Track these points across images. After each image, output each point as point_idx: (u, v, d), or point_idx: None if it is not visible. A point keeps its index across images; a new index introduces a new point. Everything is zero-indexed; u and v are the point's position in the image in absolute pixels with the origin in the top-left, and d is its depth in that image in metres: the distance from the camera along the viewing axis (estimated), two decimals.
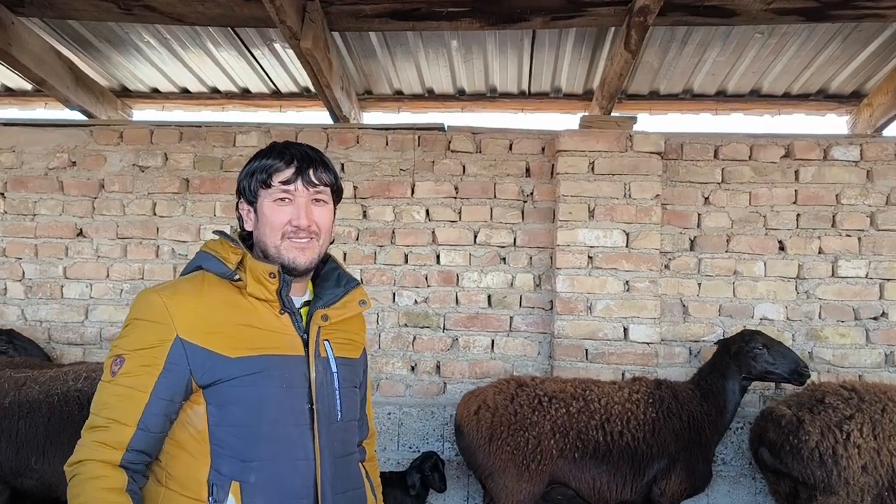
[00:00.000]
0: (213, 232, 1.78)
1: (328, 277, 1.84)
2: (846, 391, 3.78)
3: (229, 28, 4.21)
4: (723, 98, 5.11)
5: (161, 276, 4.73)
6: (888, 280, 4.47)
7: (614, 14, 3.87)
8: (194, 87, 5.20)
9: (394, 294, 4.67)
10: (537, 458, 3.72)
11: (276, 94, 5.28)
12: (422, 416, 4.52)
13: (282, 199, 1.68)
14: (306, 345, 1.69)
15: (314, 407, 1.65)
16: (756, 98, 5.09)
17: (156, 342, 1.56)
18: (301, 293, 1.78)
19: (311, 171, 1.69)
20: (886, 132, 4.75)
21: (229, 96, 5.31)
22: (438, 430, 4.51)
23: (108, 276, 4.76)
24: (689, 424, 3.82)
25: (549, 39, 4.33)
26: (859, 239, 4.50)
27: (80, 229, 4.79)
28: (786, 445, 3.70)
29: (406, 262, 4.68)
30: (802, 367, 3.85)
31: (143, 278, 4.75)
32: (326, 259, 1.84)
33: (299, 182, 1.68)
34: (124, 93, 5.32)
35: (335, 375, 1.73)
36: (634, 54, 3.94)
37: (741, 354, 3.88)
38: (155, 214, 4.77)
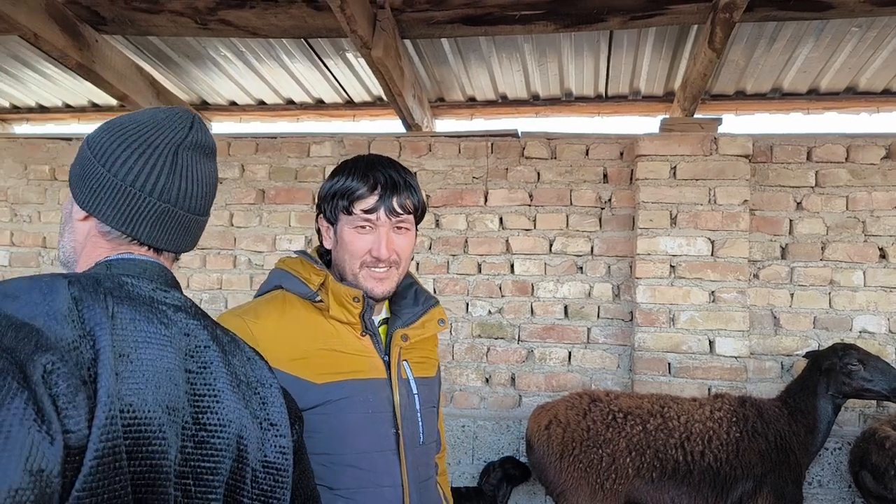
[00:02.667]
0: (295, 252, 1.73)
1: (405, 295, 1.77)
2: None
3: (302, 39, 4.23)
4: (815, 96, 4.79)
5: (238, 286, 4.80)
6: None
7: (697, 11, 3.67)
8: (270, 99, 5.26)
9: (467, 304, 4.59)
10: (612, 477, 3.56)
11: (350, 104, 5.28)
12: (497, 430, 4.42)
13: (362, 227, 1.61)
14: (388, 366, 1.63)
15: (399, 432, 1.60)
16: (852, 96, 4.75)
17: None
18: (378, 312, 1.73)
19: (394, 199, 1.60)
20: None
21: (304, 107, 5.34)
22: (514, 444, 4.39)
23: (188, 285, 4.86)
24: (777, 445, 3.58)
25: (627, 40, 4.16)
26: None
27: None
28: (890, 469, 3.43)
29: (479, 271, 4.59)
30: None
31: (220, 288, 4.83)
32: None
33: (382, 211, 1.59)
34: (203, 106, 5.44)
35: (416, 397, 1.68)
36: (719, 53, 3.72)
37: (833, 371, 3.61)
38: (232, 225, 4.84)
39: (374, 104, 5.23)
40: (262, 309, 1.61)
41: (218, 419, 1.02)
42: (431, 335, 1.78)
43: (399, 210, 1.61)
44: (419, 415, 1.67)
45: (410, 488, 1.60)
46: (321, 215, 1.70)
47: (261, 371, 1.15)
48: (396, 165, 1.67)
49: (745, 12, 3.48)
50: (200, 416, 1.00)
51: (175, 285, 1.13)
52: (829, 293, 4.27)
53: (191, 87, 5.11)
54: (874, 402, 4.13)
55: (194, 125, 1.14)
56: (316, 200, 1.74)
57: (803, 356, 3.94)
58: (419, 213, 1.69)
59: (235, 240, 4.84)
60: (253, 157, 4.86)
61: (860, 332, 4.21)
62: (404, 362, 1.67)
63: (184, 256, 4.83)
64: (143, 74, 4.66)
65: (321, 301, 1.60)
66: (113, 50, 4.30)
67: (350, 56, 4.46)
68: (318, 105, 5.31)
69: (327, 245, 1.69)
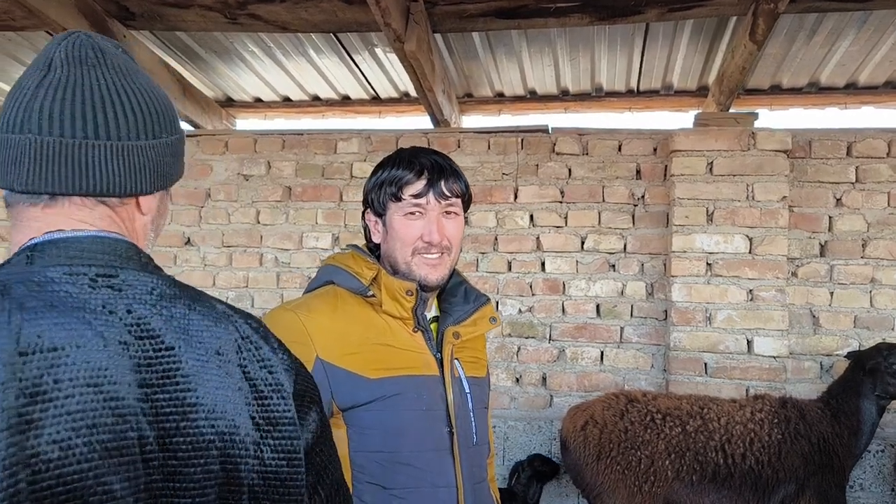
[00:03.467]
0: (347, 246, 1.70)
1: (455, 292, 1.72)
2: None
3: (331, 34, 4.17)
4: (853, 91, 4.68)
5: (265, 285, 4.75)
6: None
7: (738, 2, 3.58)
8: (295, 95, 5.22)
9: (497, 303, 4.51)
10: (650, 479, 3.48)
11: (376, 100, 5.22)
12: (528, 430, 4.34)
13: (412, 213, 1.58)
14: (440, 364, 1.59)
15: (453, 430, 1.55)
16: (891, 90, 4.64)
17: None
18: (428, 309, 1.68)
19: (442, 183, 1.58)
20: None
21: (329, 103, 5.29)
22: (545, 444, 4.32)
23: (214, 283, 4.81)
24: (820, 447, 3.49)
25: (662, 33, 4.07)
26: None
27: (188, 238, 4.87)
28: None
29: (509, 269, 4.52)
30: None
31: (247, 286, 4.78)
32: (452, 272, 1.72)
33: (431, 195, 1.57)
34: (228, 103, 5.40)
35: (469, 396, 1.63)
36: (760, 45, 3.63)
37: (878, 371, 3.51)
38: (258, 223, 4.79)
39: (401, 100, 5.17)
40: (314, 303, 1.57)
41: (191, 441, 0.82)
42: (481, 334, 1.74)
43: (448, 193, 1.59)
44: (472, 414, 1.63)
45: (465, 489, 1.55)
46: (368, 210, 1.68)
47: (268, 355, 0.95)
48: (439, 152, 1.66)
49: (789, 3, 3.38)
50: (167, 439, 0.81)
51: (131, 258, 0.91)
52: (871, 291, 4.16)
53: (216, 83, 5.07)
54: None
55: (68, 38, 0.91)
56: (362, 196, 1.69)
57: (845, 356, 3.84)
58: (466, 198, 1.67)
59: (262, 237, 4.79)
60: (279, 154, 4.80)
61: None
62: (456, 360, 1.64)
63: (211, 253, 4.80)
64: (170, 70, 4.61)
65: (373, 296, 1.57)
66: (140, 46, 4.26)
67: (379, 51, 4.40)
68: (344, 101, 5.26)
69: (376, 239, 1.67)
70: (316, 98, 5.25)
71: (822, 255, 4.22)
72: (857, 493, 3.97)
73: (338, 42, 4.31)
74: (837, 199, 4.22)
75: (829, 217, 4.22)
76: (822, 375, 4.18)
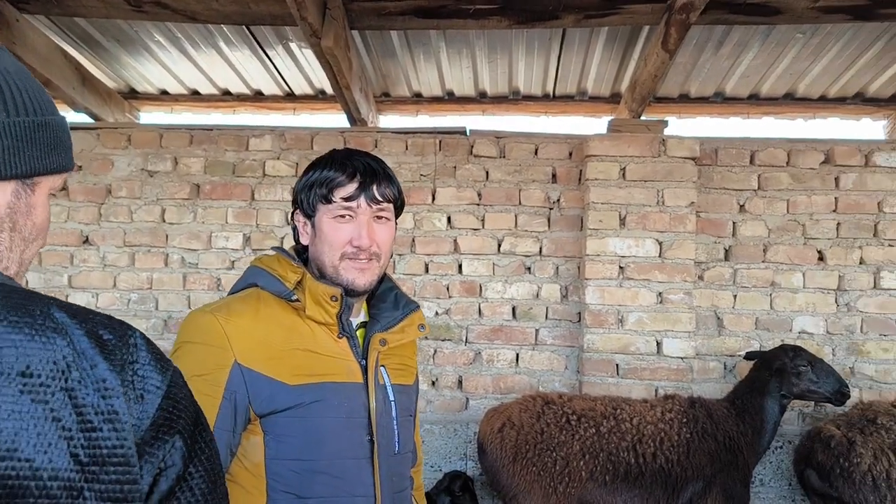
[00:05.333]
0: (272, 248, 1.65)
1: (384, 298, 1.70)
2: None
3: (244, 26, 4.02)
4: (755, 101, 4.90)
5: (170, 286, 4.53)
6: None
7: (651, 12, 3.66)
8: (205, 88, 5.01)
9: None
10: (565, 480, 3.52)
11: (290, 97, 5.08)
12: (444, 434, 4.31)
13: (342, 216, 1.55)
14: (364, 371, 1.56)
15: (373, 439, 1.52)
16: (790, 101, 4.88)
17: (213, 368, 1.42)
18: (356, 314, 1.65)
19: (374, 187, 1.56)
20: None
21: (241, 98, 5.11)
22: (461, 448, 4.30)
23: (114, 285, 4.55)
24: (726, 445, 3.62)
25: (578, 39, 4.13)
26: None
27: (87, 237, 4.59)
28: (836, 468, 3.51)
29: (426, 271, 4.47)
30: (845, 386, 3.65)
31: (151, 288, 4.55)
32: (382, 278, 1.70)
33: (362, 198, 1.55)
34: (132, 94, 5.13)
35: (393, 404, 1.61)
36: (672, 54, 3.73)
37: (785, 371, 3.67)
38: (164, 221, 4.56)
39: (316, 97, 5.05)
40: (235, 306, 1.52)
41: None
42: (410, 341, 1.73)
43: (380, 198, 1.57)
44: (395, 423, 1.60)
45: (384, 498, 1.53)
46: (297, 210, 1.65)
47: (104, 375, 0.77)
48: (373, 156, 1.64)
49: (700, 14, 3.49)
50: None
51: None
52: (771, 294, 4.35)
53: (119, 73, 4.80)
54: (813, 402, 4.22)
55: None
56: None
57: (744, 357, 4.00)
58: (399, 203, 1.65)
59: (167, 237, 4.56)
60: (187, 150, 4.59)
61: (799, 332, 4.31)
62: (382, 368, 1.61)
63: (111, 253, 4.54)
64: (67, 58, 4.33)
65: (297, 300, 1.53)
66: (36, 31, 3.97)
67: (294, 46, 4.27)
68: (257, 97, 5.09)
69: (304, 241, 1.64)
70: (226, 92, 5.06)
71: (726, 259, 4.38)
72: (757, 489, 4.14)
73: (250, 35, 4.16)
74: (741, 206, 4.39)
75: (734, 223, 4.38)
76: (725, 375, 4.33)
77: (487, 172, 4.48)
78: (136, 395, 0.78)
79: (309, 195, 1.58)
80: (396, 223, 1.68)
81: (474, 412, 4.34)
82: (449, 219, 4.48)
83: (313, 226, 1.60)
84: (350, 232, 1.55)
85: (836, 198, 4.33)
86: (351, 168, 1.55)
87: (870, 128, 5.07)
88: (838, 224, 4.32)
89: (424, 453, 4.22)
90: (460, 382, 4.44)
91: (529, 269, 4.45)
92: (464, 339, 4.44)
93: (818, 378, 3.63)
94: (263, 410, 1.44)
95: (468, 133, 4.52)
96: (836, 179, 4.34)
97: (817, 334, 4.30)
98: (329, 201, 1.55)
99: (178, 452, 0.81)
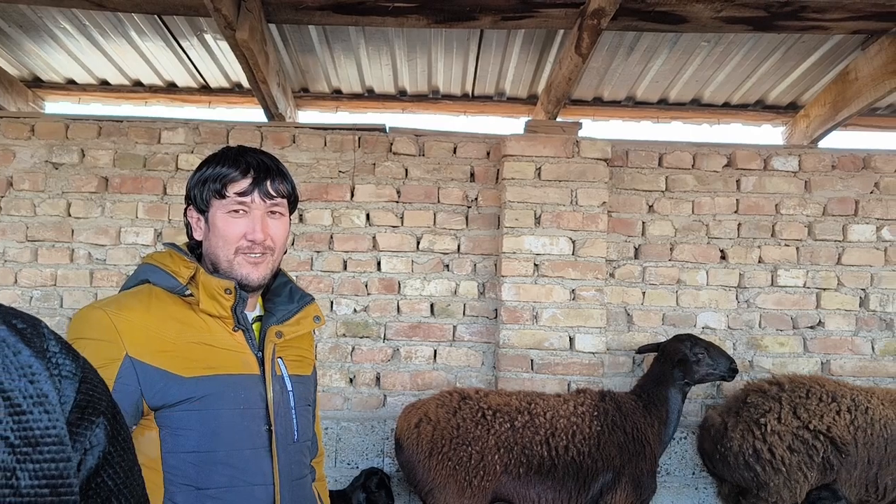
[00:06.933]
0: (163, 244, 1.66)
1: (279, 292, 1.74)
2: (769, 385, 3.90)
3: (156, 16, 3.91)
4: (664, 106, 5.09)
5: (76, 283, 4.36)
6: (824, 290, 4.53)
7: (566, 16, 3.76)
8: (115, 79, 4.84)
9: (331, 302, 4.44)
10: (480, 473, 3.59)
11: (205, 89, 4.96)
12: (361, 431, 4.31)
13: (236, 211, 1.58)
14: (261, 363, 1.59)
15: (272, 429, 1.56)
16: (696, 107, 5.10)
17: (103, 362, 1.40)
18: (252, 308, 1.68)
19: (268, 183, 1.59)
20: (822, 143, 4.82)
21: (153, 90, 4.96)
22: (378, 444, 4.31)
23: (16, 282, 4.35)
24: (634, 436, 3.76)
25: (496, 40, 4.20)
26: (797, 249, 4.55)
27: None
28: (715, 454, 3.79)
29: (345, 268, 4.46)
30: (733, 362, 3.88)
31: (55, 284, 4.36)
32: (277, 272, 1.73)
33: (256, 194, 1.58)
34: (36, 83, 4.90)
35: (290, 394, 1.65)
36: (585, 58, 3.85)
37: (686, 360, 3.85)
38: (70, 215, 4.39)
39: (232, 91, 4.96)
40: (126, 301, 1.53)
41: None
42: (307, 333, 1.77)
43: (273, 193, 1.60)
44: (293, 412, 1.64)
45: (282, 487, 1.57)
46: (191, 206, 1.66)
47: (28, 361, 0.78)
48: (267, 153, 1.67)
49: (611, 20, 3.61)
50: None
51: None
52: (677, 291, 4.54)
53: (22, 61, 4.58)
54: (714, 393, 4.44)
55: None
56: (186, 193, 1.63)
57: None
58: (293, 199, 1.69)
59: (73, 232, 4.38)
60: (95, 142, 4.42)
61: (703, 328, 4.51)
62: (279, 359, 1.65)
63: (12, 248, 4.33)
64: None
65: (191, 295, 1.56)
66: None
67: (209, 37, 4.18)
68: (170, 89, 4.96)
69: (198, 236, 1.66)
70: (138, 83, 4.91)
71: (636, 257, 4.55)
72: (663, 478, 4.31)
73: (163, 25, 4.05)
74: (650, 206, 4.57)
75: (643, 222, 4.55)
76: (634, 369, 4.50)
77: (407, 170, 4.50)
78: (57, 380, 0.80)
79: (202, 191, 1.60)
80: (291, 219, 1.71)
81: (392, 409, 4.36)
82: (368, 216, 4.48)
83: (207, 221, 1.61)
84: (244, 226, 1.57)
85: (737, 199, 4.56)
86: (244, 164, 1.58)
87: (769, 133, 5.37)
88: (739, 224, 4.55)
89: (341, 451, 4.23)
90: (378, 379, 4.45)
91: (448, 266, 4.49)
92: (382, 336, 4.45)
93: (714, 361, 3.83)
94: (157, 403, 1.45)
95: (388, 130, 4.53)
96: (738, 182, 4.57)
97: (719, 329, 4.51)
98: (223, 196, 1.57)
99: (103, 431, 0.83)
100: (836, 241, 4.55)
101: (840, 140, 5.08)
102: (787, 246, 4.55)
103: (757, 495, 3.74)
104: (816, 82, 4.64)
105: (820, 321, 4.53)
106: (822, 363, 4.51)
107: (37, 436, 0.75)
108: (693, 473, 4.36)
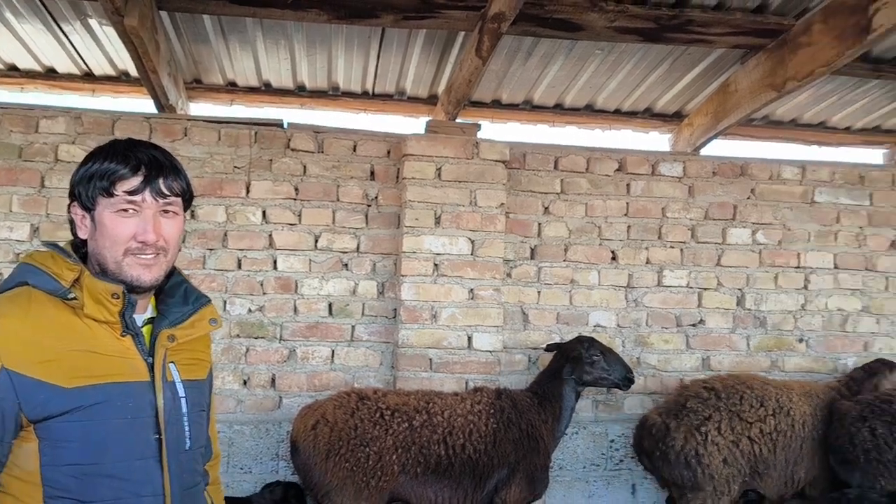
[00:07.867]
0: (43, 242, 1.54)
1: (173, 293, 1.65)
2: (706, 391, 4.07)
3: None
4: (560, 111, 5.22)
5: None
6: (705, 289, 4.80)
7: (467, 18, 3.80)
8: None
9: (225, 302, 4.30)
10: (377, 474, 3.57)
11: (89, 77, 4.68)
12: (255, 434, 4.20)
13: (125, 211, 1.48)
14: (151, 368, 1.52)
15: (161, 437, 1.50)
16: (590, 113, 5.26)
17: None
18: (143, 310, 1.59)
19: (160, 181, 1.50)
20: (704, 151, 5.10)
21: (30, 75, 4.63)
22: (273, 448, 4.21)
23: None
24: (528, 433, 3.85)
25: (397, 39, 4.19)
26: (681, 250, 4.79)
27: None
28: (656, 451, 3.94)
29: (239, 267, 4.33)
30: (630, 373, 4.03)
31: None
32: (171, 272, 1.65)
33: (147, 192, 1.49)
34: None
35: (183, 400, 1.58)
36: (485, 61, 3.89)
37: (579, 360, 3.96)
38: None
39: (119, 79, 4.70)
40: (2, 307, 1.44)
41: None
42: (202, 335, 1.71)
43: (167, 192, 1.52)
44: (186, 419, 1.58)
45: (173, 497, 1.52)
46: (75, 203, 1.55)
47: None
48: (159, 148, 1.60)
49: (511, 25, 3.67)
50: None
51: None
52: (570, 291, 4.68)
53: None
54: (605, 390, 4.60)
55: None
56: (70, 189, 1.53)
57: (545, 349, 4.29)
58: (187, 197, 1.61)
59: None
60: None
61: (595, 326, 4.68)
62: (171, 364, 1.58)
63: None
64: None
65: (74, 298, 1.46)
66: None
67: (93, 22, 3.95)
68: (49, 74, 4.65)
69: (82, 235, 1.55)
70: (13, 68, 4.58)
71: (532, 257, 4.66)
72: (555, 472, 4.44)
73: (42, 7, 3.79)
74: (546, 208, 4.69)
75: (539, 224, 4.67)
76: (530, 367, 4.61)
77: (305, 167, 4.42)
78: None
79: (88, 188, 1.50)
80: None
81: (287, 411, 4.27)
82: (264, 213, 4.37)
83: (93, 219, 1.52)
84: (134, 227, 1.49)
85: (627, 203, 4.76)
86: (135, 160, 1.49)
87: (657, 140, 5.60)
88: (629, 227, 4.75)
89: (234, 455, 4.11)
90: (273, 381, 4.35)
91: (346, 265, 4.45)
92: (278, 336, 4.36)
93: (609, 366, 3.97)
94: (37, 416, 1.38)
95: (286, 126, 4.44)
96: (628, 186, 4.77)
97: (609, 327, 4.69)
98: (111, 195, 1.48)
99: None
100: (716, 243, 4.82)
101: (721, 148, 5.39)
102: (672, 248, 4.79)
103: (686, 495, 3.92)
104: (700, 93, 4.89)
105: (701, 319, 4.79)
106: (702, 359, 4.78)
107: None
108: (584, 468, 4.51)
